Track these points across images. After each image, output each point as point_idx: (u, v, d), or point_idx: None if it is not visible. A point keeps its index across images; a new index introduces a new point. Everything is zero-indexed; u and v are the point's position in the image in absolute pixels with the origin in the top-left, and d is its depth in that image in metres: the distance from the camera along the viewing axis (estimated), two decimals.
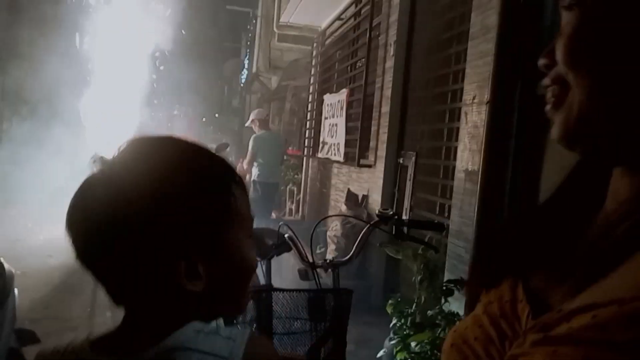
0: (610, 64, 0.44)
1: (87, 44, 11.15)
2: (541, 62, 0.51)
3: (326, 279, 1.88)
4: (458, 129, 3.09)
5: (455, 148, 3.13)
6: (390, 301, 2.74)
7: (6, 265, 1.44)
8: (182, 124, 17.42)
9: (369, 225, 1.61)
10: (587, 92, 0.45)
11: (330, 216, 4.48)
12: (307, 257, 1.66)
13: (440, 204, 3.50)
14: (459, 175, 2.94)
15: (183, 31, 14.00)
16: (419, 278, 2.68)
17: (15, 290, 1.39)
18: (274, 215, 7.27)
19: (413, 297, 2.75)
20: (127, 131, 10.76)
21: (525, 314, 0.50)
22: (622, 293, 0.36)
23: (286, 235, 1.72)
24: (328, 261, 1.64)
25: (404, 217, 3.78)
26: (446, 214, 3.32)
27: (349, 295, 1.56)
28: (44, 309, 3.94)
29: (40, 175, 8.01)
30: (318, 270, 1.72)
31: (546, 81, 0.51)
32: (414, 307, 2.62)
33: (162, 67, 12.83)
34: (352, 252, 1.63)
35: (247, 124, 6.84)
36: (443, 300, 2.49)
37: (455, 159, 3.12)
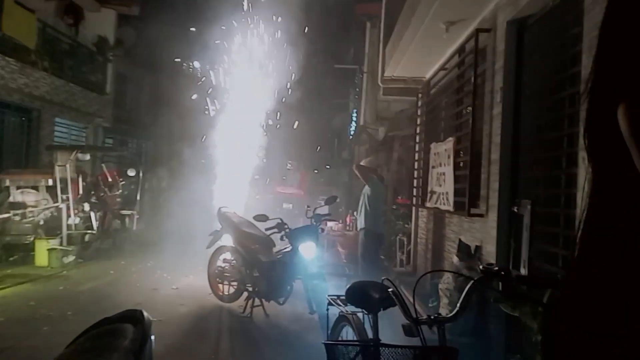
0: None
1: (212, 111, 12.53)
2: None
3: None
4: (576, 174, 2.88)
5: (575, 195, 2.91)
6: None
7: (145, 314, 1.65)
8: (295, 177, 18.35)
9: (472, 282, 1.57)
10: None
11: (432, 271, 4.34)
12: (410, 312, 1.65)
13: (563, 256, 3.22)
14: None
15: (296, 91, 15.08)
16: (540, 338, 2.46)
17: (152, 337, 1.59)
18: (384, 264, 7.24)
19: (536, 358, 2.53)
20: (246, 186, 11.67)
21: None
22: None
23: (390, 290, 1.74)
24: (432, 317, 1.61)
25: (520, 270, 3.54)
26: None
27: (454, 354, 1.51)
28: (177, 355, 4.30)
29: (174, 230, 8.94)
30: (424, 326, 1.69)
31: None
32: None
33: (278, 126, 13.85)
34: (456, 309, 1.59)
35: (353, 168, 7.09)
36: None
37: (576, 207, 2.89)
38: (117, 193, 10.64)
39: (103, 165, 11.98)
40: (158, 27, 14.70)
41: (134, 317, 1.69)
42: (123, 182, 11.09)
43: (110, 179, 10.51)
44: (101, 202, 9.94)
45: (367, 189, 6.58)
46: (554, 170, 3.40)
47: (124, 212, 10.68)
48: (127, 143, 16.61)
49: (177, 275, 7.37)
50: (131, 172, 11.35)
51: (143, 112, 16.94)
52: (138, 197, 11.38)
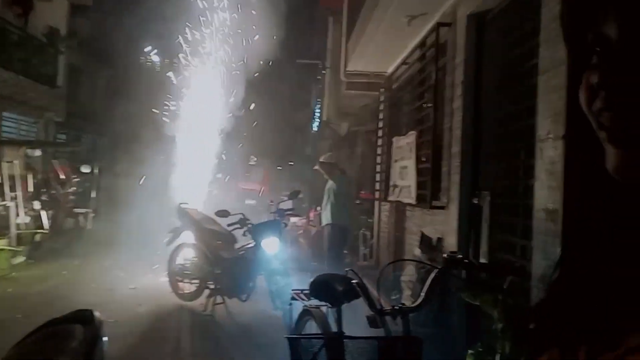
0: None
1: (172, 105, 12.20)
2: None
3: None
4: (534, 166, 2.95)
5: (533, 186, 2.97)
6: (470, 351, 2.57)
7: (96, 314, 1.55)
8: (259, 173, 18.17)
9: (436, 270, 1.56)
10: None
11: (396, 261, 4.37)
12: (374, 303, 1.63)
13: (522, 245, 3.29)
14: (538, 214, 2.77)
15: (257, 86, 14.90)
16: (500, 326, 2.50)
17: (104, 339, 1.49)
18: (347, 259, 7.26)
19: (496, 346, 2.56)
20: (207, 182, 11.42)
21: None
22: None
23: (354, 282, 1.70)
24: (397, 308, 1.59)
25: (481, 260, 3.60)
26: (529, 256, 3.11)
27: (419, 343, 1.49)
28: (132, 357, 4.13)
29: (131, 229, 8.65)
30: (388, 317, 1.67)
31: None
32: (497, 358, 2.43)
33: (232, 128, 13.56)
34: (420, 299, 1.58)
35: (315, 167, 7.06)
36: None
37: (534, 197, 2.95)
38: (70, 190, 10.19)
39: (55, 161, 11.44)
40: (113, 18, 14.17)
41: (83, 317, 1.58)
42: (77, 179, 10.63)
43: (62, 176, 10.05)
44: (53, 200, 9.49)
45: (331, 184, 6.56)
46: (513, 162, 3.48)
47: (78, 210, 10.23)
48: (80, 138, 15.93)
49: (135, 274, 7.12)
50: (85, 169, 10.90)
51: (98, 107, 16.30)
52: (93, 195, 10.94)
